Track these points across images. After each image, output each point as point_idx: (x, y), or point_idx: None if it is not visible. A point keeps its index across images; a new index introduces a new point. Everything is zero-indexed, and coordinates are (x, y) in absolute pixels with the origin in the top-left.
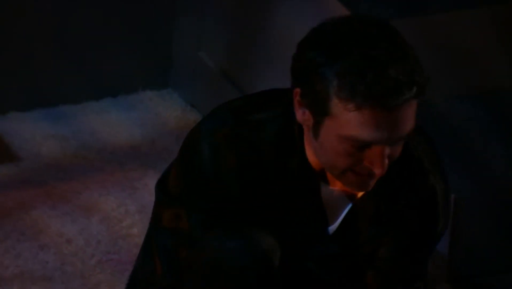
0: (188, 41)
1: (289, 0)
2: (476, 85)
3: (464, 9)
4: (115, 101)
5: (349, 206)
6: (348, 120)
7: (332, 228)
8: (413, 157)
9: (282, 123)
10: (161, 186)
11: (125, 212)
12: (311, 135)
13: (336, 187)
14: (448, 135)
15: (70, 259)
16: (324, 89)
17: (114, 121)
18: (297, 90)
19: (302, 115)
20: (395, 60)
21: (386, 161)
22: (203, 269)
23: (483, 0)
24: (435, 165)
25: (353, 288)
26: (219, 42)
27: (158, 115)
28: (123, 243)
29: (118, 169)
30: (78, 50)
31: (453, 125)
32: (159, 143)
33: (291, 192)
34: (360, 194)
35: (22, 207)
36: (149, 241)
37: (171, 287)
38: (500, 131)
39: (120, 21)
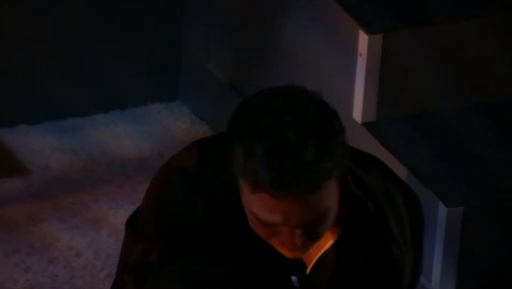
0: (196, 53)
1: (297, 12)
2: (482, 95)
3: (470, 19)
4: (124, 114)
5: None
6: (249, 199)
7: (294, 279)
8: (369, 213)
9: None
10: (131, 222)
11: None
12: None
13: None
14: (455, 145)
15: (79, 272)
16: (235, 164)
17: (122, 134)
18: None
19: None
20: (290, 153)
21: (298, 242)
22: None
23: (488, 10)
24: (403, 233)
25: None
26: (227, 54)
27: (166, 128)
28: None
29: (126, 181)
30: (86, 63)
31: (460, 135)
32: (167, 156)
33: (250, 240)
34: (317, 253)
35: (31, 220)
36: (118, 277)
37: None
38: (507, 142)
39: (128, 34)
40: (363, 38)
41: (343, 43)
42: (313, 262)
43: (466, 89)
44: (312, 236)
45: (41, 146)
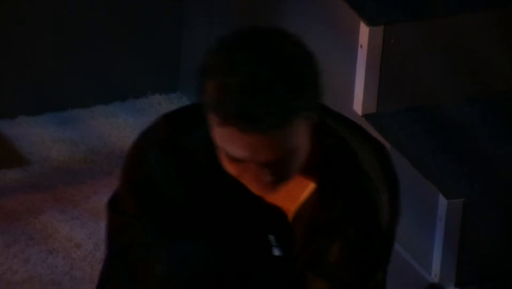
0: (197, 45)
1: (298, 5)
2: (485, 88)
3: (473, 13)
4: (124, 105)
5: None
6: (218, 133)
7: (272, 238)
8: (342, 159)
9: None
10: (112, 203)
11: None
12: None
13: (271, 199)
14: (455, 138)
15: (79, 263)
16: (207, 98)
17: (122, 125)
18: None
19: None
20: (260, 89)
21: (267, 180)
22: (151, 279)
23: (492, 3)
24: (377, 175)
25: None
26: None
27: None
28: None
29: None
30: (87, 55)
31: (461, 128)
32: None
33: (229, 200)
34: (295, 205)
35: (31, 211)
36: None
37: None
38: (508, 134)
39: (129, 26)
40: (364, 30)
41: (344, 35)
42: (293, 211)
43: (467, 81)
44: (280, 175)
45: (41, 137)
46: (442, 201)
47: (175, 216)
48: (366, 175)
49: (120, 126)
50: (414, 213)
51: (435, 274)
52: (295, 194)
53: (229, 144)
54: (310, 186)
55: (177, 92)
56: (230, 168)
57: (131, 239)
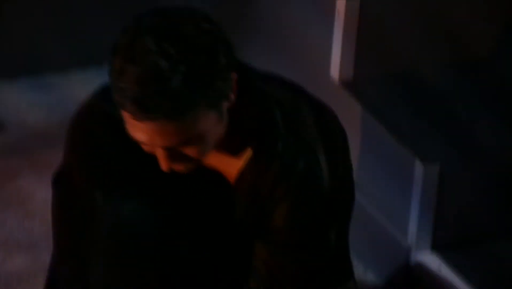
0: None
1: None
2: (463, 55)
3: None
4: (101, 70)
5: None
6: (121, 113)
7: (212, 203)
8: (273, 125)
9: None
10: (59, 180)
11: None
12: None
13: (210, 164)
14: (434, 104)
15: None
16: (110, 78)
17: None
18: None
19: None
20: (156, 79)
21: (173, 161)
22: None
23: None
24: (313, 136)
25: (240, 261)
26: None
27: None
28: None
29: None
30: (64, 19)
31: (438, 94)
32: None
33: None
34: (235, 171)
35: (7, 176)
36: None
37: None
38: (486, 103)
39: None
40: None
41: (321, 1)
42: (234, 176)
43: (445, 48)
44: (186, 158)
45: (17, 102)
46: (418, 166)
47: (120, 181)
48: (300, 137)
49: None
50: (391, 177)
51: (411, 238)
52: (234, 159)
53: (129, 126)
54: (248, 151)
55: None
56: (142, 146)
57: (80, 209)
